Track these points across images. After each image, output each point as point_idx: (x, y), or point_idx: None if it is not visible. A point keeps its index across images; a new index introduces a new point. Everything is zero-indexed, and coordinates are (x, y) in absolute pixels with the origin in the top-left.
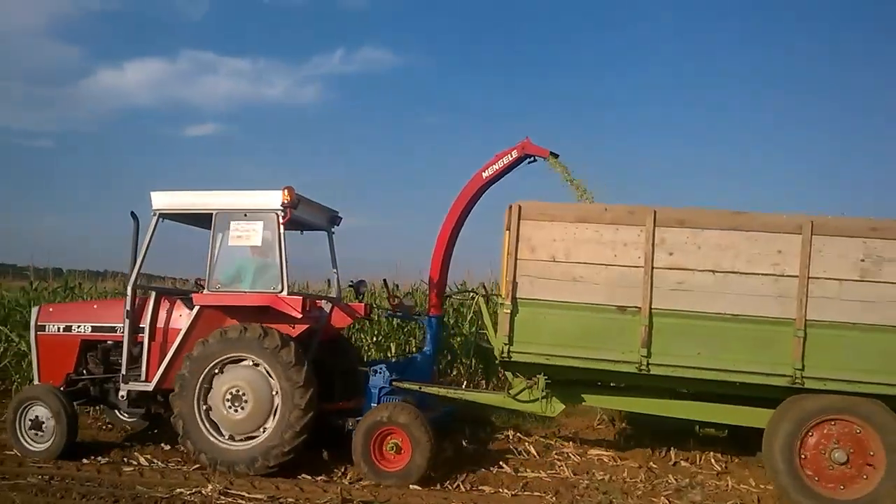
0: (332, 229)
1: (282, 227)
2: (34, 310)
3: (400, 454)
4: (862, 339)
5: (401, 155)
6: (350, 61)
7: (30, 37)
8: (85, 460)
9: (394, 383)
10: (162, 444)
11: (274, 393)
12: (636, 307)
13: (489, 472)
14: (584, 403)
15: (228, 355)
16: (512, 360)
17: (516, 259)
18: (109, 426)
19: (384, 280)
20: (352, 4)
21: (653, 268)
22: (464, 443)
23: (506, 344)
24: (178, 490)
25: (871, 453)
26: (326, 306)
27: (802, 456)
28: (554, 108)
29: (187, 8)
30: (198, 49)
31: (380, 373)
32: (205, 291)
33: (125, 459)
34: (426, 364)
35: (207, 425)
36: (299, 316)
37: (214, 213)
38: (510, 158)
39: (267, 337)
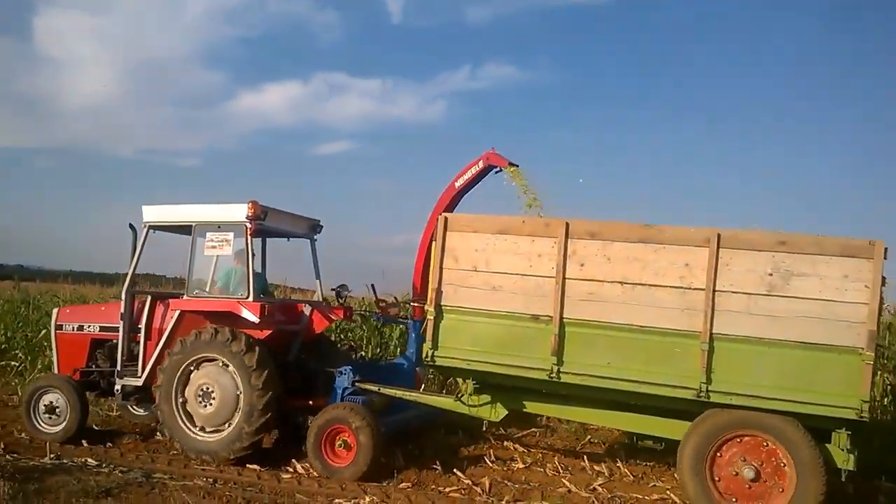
0: (314, 237)
1: (249, 237)
2: (54, 311)
3: (349, 451)
4: (769, 355)
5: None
6: (477, 77)
7: (180, 64)
8: (248, 465)
9: (356, 384)
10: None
11: (238, 392)
12: (549, 316)
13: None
14: (524, 409)
15: (201, 355)
16: (436, 363)
17: (441, 268)
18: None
19: (371, 285)
20: (477, 22)
21: (564, 278)
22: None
23: (430, 348)
24: (337, 500)
25: (783, 469)
26: (307, 310)
27: (713, 473)
28: (688, 116)
29: (321, 32)
30: (330, 71)
31: (344, 374)
32: (184, 297)
33: (283, 466)
34: (410, 367)
35: (183, 416)
36: (257, 321)
37: (193, 224)
38: (477, 168)
39: (234, 340)
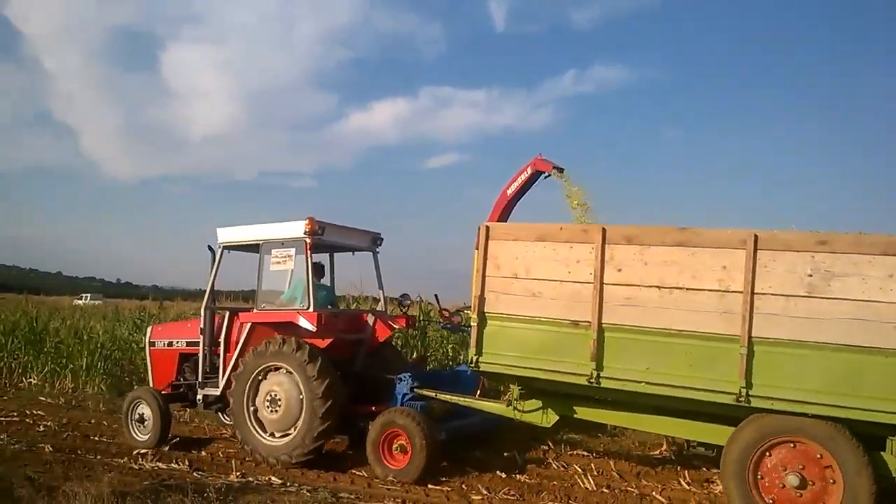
0: (376, 249)
1: (309, 252)
2: (148, 329)
3: (405, 454)
4: (811, 358)
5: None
6: (582, 81)
7: (293, 89)
8: (431, 485)
9: (415, 390)
10: (498, 473)
11: (301, 399)
12: (587, 322)
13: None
14: (575, 415)
15: (270, 363)
16: (480, 368)
17: (484, 276)
18: None
19: (435, 295)
20: (582, 24)
21: (602, 283)
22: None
23: (475, 354)
24: None
25: (830, 476)
26: (371, 319)
27: (757, 480)
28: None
29: (426, 47)
30: (436, 85)
31: (403, 380)
32: (254, 310)
33: (462, 486)
34: (473, 374)
35: (253, 421)
36: (314, 329)
37: (261, 243)
38: (526, 175)
39: (299, 350)
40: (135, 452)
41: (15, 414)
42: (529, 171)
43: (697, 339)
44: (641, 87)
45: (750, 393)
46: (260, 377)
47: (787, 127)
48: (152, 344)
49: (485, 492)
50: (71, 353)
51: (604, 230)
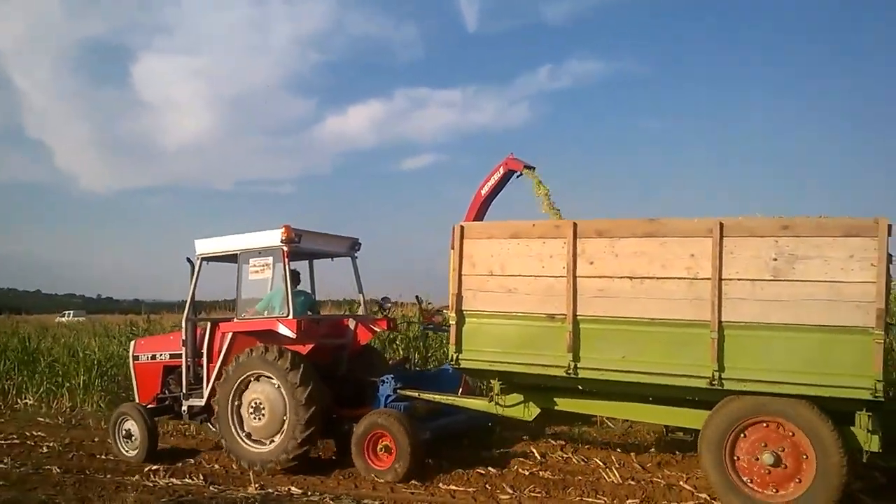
0: (355, 255)
1: (287, 260)
2: (132, 343)
3: (390, 455)
4: (780, 339)
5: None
6: (557, 76)
7: (268, 96)
8: (454, 486)
9: (398, 391)
10: (520, 470)
11: (285, 405)
12: (563, 314)
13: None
14: (556, 407)
15: (252, 372)
16: (461, 365)
17: (460, 274)
18: None
19: (416, 296)
20: (555, 20)
21: (575, 277)
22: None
23: (455, 352)
24: None
25: (804, 455)
26: (352, 324)
27: (734, 460)
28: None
29: (400, 49)
30: (412, 87)
31: (386, 382)
32: (234, 319)
33: (486, 486)
34: (456, 373)
35: (238, 429)
36: (294, 336)
37: (239, 253)
38: (499, 175)
39: (280, 358)
40: (146, 469)
41: (14, 436)
42: (502, 170)
43: (670, 326)
44: (617, 79)
45: (722, 376)
46: (243, 386)
47: (765, 112)
48: (136, 358)
49: (510, 490)
50: (67, 372)
51: (575, 225)
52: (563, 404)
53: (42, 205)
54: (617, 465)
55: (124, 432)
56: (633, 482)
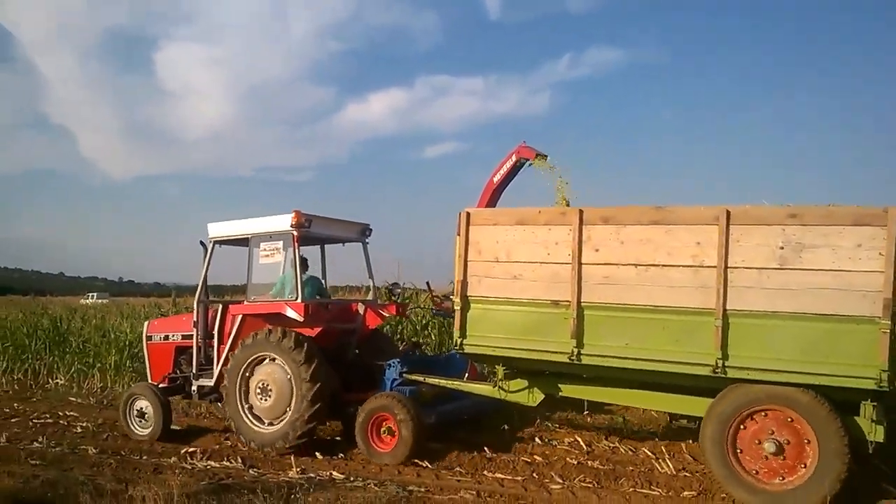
0: (365, 240)
1: (297, 244)
2: (145, 324)
3: (393, 437)
4: (785, 328)
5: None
6: (578, 64)
7: (290, 83)
8: (502, 475)
9: (404, 375)
10: (568, 460)
11: (290, 386)
12: (567, 301)
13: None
14: (560, 394)
15: (259, 354)
16: (465, 351)
17: (466, 261)
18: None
19: (427, 283)
20: (577, 9)
21: (580, 264)
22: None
23: (459, 337)
24: None
25: (806, 442)
26: (361, 308)
27: (736, 449)
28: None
29: (421, 37)
30: (433, 74)
31: (392, 366)
32: (245, 303)
33: (534, 475)
34: (463, 358)
35: (246, 411)
36: (301, 319)
37: (250, 236)
38: (511, 163)
39: (285, 338)
40: (183, 451)
41: (47, 415)
42: (514, 158)
43: (674, 313)
44: (637, 68)
45: (726, 364)
46: (251, 367)
47: (781, 102)
48: (149, 338)
49: (560, 480)
50: (98, 353)
51: (581, 212)
52: (568, 390)
53: (65, 190)
54: (667, 456)
55: (136, 411)
56: (687, 473)
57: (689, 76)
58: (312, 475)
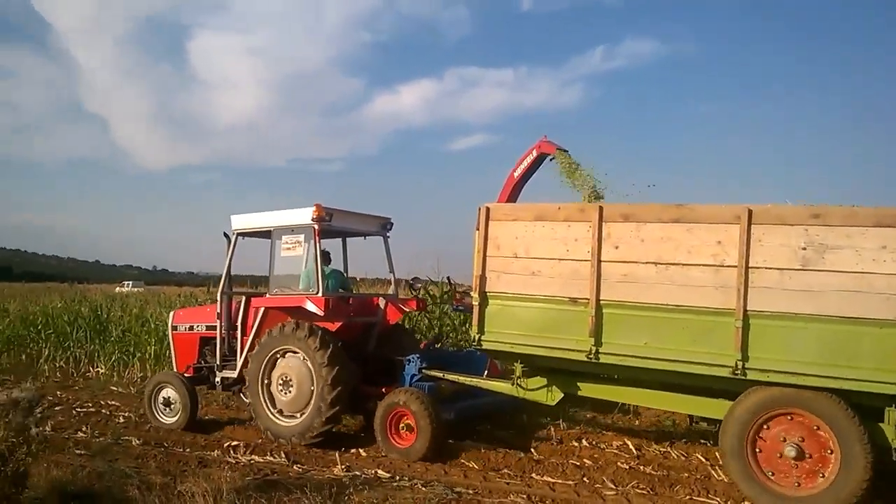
0: (387, 234)
1: (317, 237)
2: (171, 314)
3: (411, 433)
4: (806, 330)
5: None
6: (612, 57)
7: (320, 76)
8: (551, 478)
9: (423, 371)
10: (620, 465)
11: (312, 381)
12: (586, 299)
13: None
14: (579, 393)
15: (281, 347)
16: (483, 347)
17: (485, 256)
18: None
19: (447, 278)
20: (610, 1)
21: (599, 261)
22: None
23: (477, 333)
24: None
25: (829, 450)
26: (382, 303)
27: (755, 452)
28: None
29: (450, 28)
30: (462, 66)
31: (412, 362)
32: (266, 295)
33: (584, 479)
34: (483, 355)
35: (268, 403)
36: (321, 314)
37: (272, 229)
38: (532, 157)
39: (311, 336)
40: (226, 445)
41: (90, 404)
42: (535, 153)
43: (694, 313)
44: (673, 60)
45: (746, 366)
46: (273, 360)
47: (817, 96)
48: (175, 328)
49: (612, 486)
50: (138, 342)
51: (601, 208)
52: (586, 390)
53: (100, 179)
54: (722, 463)
55: (162, 400)
56: None
57: (726, 66)
58: (358, 473)
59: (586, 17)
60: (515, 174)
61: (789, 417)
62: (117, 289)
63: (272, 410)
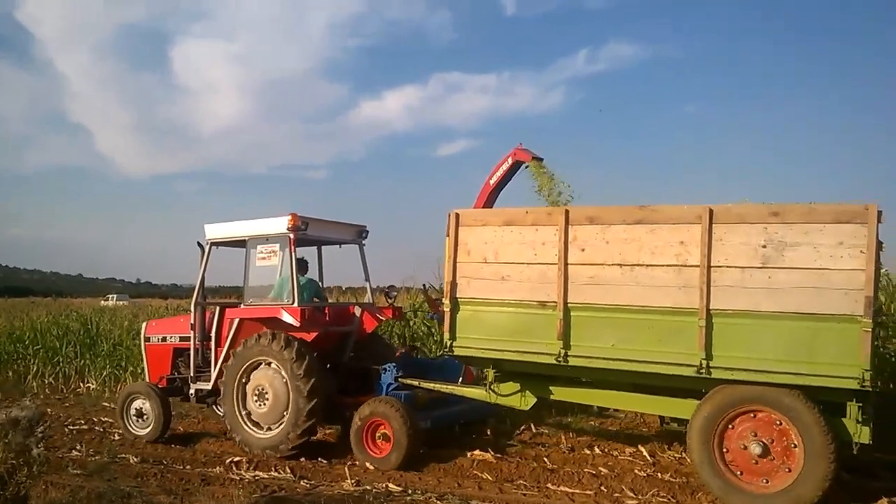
0: (362, 242)
1: (293, 247)
2: (143, 325)
3: (388, 442)
4: (768, 327)
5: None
6: (595, 60)
7: (305, 80)
8: (567, 488)
9: (399, 380)
10: (637, 472)
11: (288, 393)
12: (554, 302)
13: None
14: (552, 397)
15: (256, 358)
16: (455, 353)
17: (455, 262)
18: None
19: (423, 285)
20: (595, 3)
21: (566, 264)
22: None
23: (449, 339)
24: None
25: (793, 445)
26: (358, 311)
27: (722, 450)
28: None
29: (435, 33)
30: (446, 71)
31: (388, 371)
32: (241, 306)
33: (602, 488)
34: (460, 362)
35: (243, 416)
36: (297, 325)
37: (247, 239)
38: (507, 165)
39: (281, 343)
40: (228, 461)
41: (82, 421)
42: (510, 161)
43: (659, 313)
44: (656, 63)
45: (710, 364)
46: (248, 371)
47: (805, 98)
48: (147, 339)
49: (632, 494)
50: (130, 355)
51: (567, 212)
52: (559, 393)
53: (82, 189)
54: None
55: (134, 411)
56: None
57: (709, 69)
58: (368, 487)
59: (569, 21)
60: (491, 182)
61: (753, 415)
62: (102, 302)
63: (247, 422)
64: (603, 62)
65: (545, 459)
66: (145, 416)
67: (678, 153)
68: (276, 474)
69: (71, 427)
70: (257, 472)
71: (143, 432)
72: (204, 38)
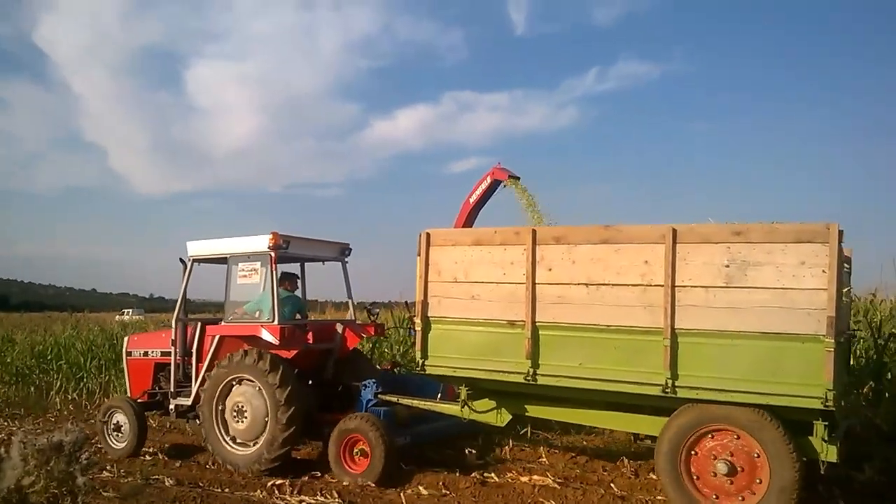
0: (345, 260)
1: (274, 265)
2: (125, 339)
3: (365, 458)
4: (732, 347)
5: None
6: (605, 79)
7: (318, 100)
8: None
9: (378, 396)
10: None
11: (266, 408)
12: (522, 321)
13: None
14: (527, 413)
15: (235, 375)
16: (426, 371)
17: (426, 281)
18: None
19: (405, 302)
20: (604, 22)
21: (534, 283)
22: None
23: (421, 358)
24: None
25: (757, 463)
26: (340, 328)
27: (689, 470)
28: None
29: (447, 53)
30: (458, 90)
31: (368, 387)
32: (222, 322)
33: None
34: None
35: (222, 431)
36: (277, 342)
37: (228, 256)
38: (486, 184)
39: (261, 361)
40: (269, 484)
41: None
42: (489, 180)
43: (625, 333)
44: (666, 81)
45: (675, 384)
46: (227, 389)
47: (814, 114)
48: (129, 354)
49: None
50: None
51: (534, 231)
52: (533, 411)
53: (97, 207)
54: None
55: (113, 425)
56: None
57: (719, 87)
58: None
59: (579, 40)
60: (471, 200)
61: (719, 435)
62: (118, 317)
63: (225, 438)
64: (613, 80)
65: (612, 485)
66: (122, 430)
67: (689, 168)
68: (322, 499)
69: (98, 446)
70: (302, 497)
71: (121, 447)
72: (218, 59)
